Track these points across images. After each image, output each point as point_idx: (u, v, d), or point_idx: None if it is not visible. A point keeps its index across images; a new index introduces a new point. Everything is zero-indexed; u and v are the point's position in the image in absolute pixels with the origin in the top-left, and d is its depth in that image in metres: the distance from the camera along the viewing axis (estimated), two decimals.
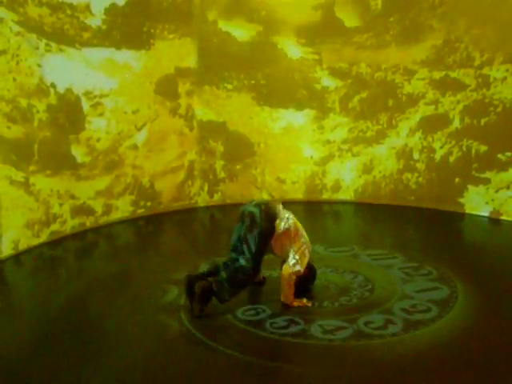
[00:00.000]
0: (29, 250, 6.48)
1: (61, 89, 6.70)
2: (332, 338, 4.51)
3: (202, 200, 8.26)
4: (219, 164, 8.26)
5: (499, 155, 7.26)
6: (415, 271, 5.69)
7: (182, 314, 4.93)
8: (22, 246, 6.44)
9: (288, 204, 8.05)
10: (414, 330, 4.56)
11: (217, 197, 8.32)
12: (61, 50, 6.67)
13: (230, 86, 8.10)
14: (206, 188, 8.28)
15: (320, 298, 5.16)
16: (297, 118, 8.24)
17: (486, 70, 7.26)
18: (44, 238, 6.70)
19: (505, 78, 7.16)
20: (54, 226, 6.80)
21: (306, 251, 5.04)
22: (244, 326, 4.74)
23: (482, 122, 7.33)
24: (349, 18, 7.85)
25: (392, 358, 4.30)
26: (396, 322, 4.68)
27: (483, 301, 5.13)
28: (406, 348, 4.40)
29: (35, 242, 6.60)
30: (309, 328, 4.65)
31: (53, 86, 6.62)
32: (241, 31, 7.94)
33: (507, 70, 7.13)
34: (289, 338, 4.54)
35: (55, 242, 6.76)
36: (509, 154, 7.20)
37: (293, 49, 8.04)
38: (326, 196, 8.33)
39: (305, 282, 5.12)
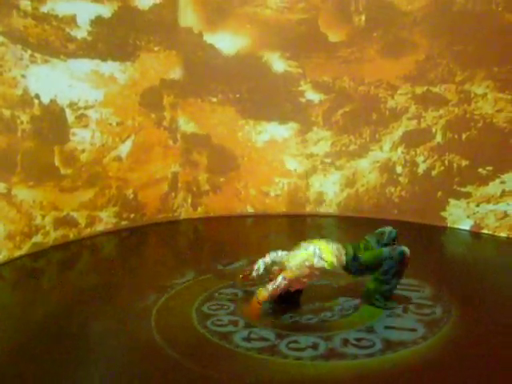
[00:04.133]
0: (10, 262, 6.42)
1: (45, 100, 6.69)
2: (243, 345, 4.58)
3: (186, 212, 8.25)
4: (203, 176, 8.27)
5: (480, 169, 7.36)
6: (417, 309, 5.20)
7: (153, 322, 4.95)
8: (4, 258, 6.39)
9: (271, 217, 8.28)
10: (324, 360, 4.37)
11: (200, 209, 8.32)
12: (46, 61, 6.66)
13: (214, 99, 8.13)
14: (189, 200, 8.27)
15: (292, 311, 5.14)
16: (280, 132, 8.28)
17: (467, 86, 7.37)
18: (26, 249, 6.64)
19: (485, 94, 7.27)
20: (37, 238, 6.75)
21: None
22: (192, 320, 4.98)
23: (464, 136, 7.43)
24: (333, 33, 7.94)
25: (260, 377, 4.26)
26: (320, 349, 4.51)
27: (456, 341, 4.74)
28: (292, 373, 4.26)
29: (17, 253, 6.54)
30: (237, 332, 4.78)
31: (37, 96, 6.61)
32: (226, 44, 7.99)
33: (487, 87, 7.25)
34: (210, 335, 4.72)
35: (37, 254, 6.72)
36: (489, 168, 7.30)
37: (277, 62, 8.10)
38: (308, 209, 8.36)
39: (294, 293, 5.11)
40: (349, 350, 4.52)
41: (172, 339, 4.73)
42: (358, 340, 4.66)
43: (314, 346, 4.55)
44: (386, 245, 5.28)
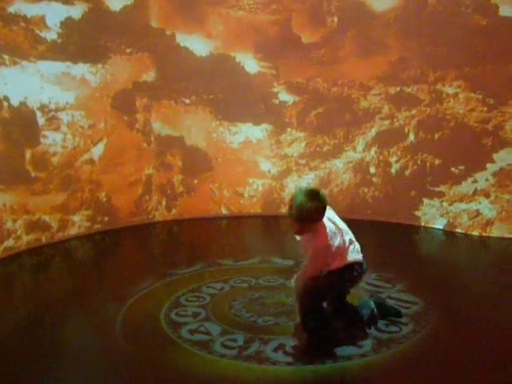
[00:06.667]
0: None
1: (15, 102, 6.59)
2: (185, 336, 4.67)
3: (160, 215, 8.20)
4: (177, 178, 8.22)
5: (452, 168, 7.43)
6: (386, 327, 4.82)
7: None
8: None
9: (246, 218, 8.27)
10: (242, 361, 4.32)
11: (175, 211, 8.27)
12: (15, 62, 6.57)
13: (187, 101, 8.09)
14: (163, 203, 8.22)
15: (258, 310, 5.16)
16: (254, 133, 8.27)
17: (439, 86, 7.43)
18: None
19: (456, 94, 7.34)
20: (8, 242, 6.65)
21: None
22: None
23: (436, 136, 7.49)
24: (306, 34, 7.95)
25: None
26: (249, 350, 4.46)
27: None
28: (201, 368, 4.29)
29: None
30: (189, 324, 4.88)
31: (6, 99, 6.51)
32: (199, 45, 7.95)
33: (459, 86, 7.32)
34: (165, 326, 4.86)
35: (9, 259, 6.61)
36: (461, 167, 7.37)
37: (250, 63, 8.08)
38: (284, 210, 8.35)
39: None
40: (274, 355, 4.40)
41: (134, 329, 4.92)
42: (294, 348, 4.53)
43: (246, 347, 4.51)
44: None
